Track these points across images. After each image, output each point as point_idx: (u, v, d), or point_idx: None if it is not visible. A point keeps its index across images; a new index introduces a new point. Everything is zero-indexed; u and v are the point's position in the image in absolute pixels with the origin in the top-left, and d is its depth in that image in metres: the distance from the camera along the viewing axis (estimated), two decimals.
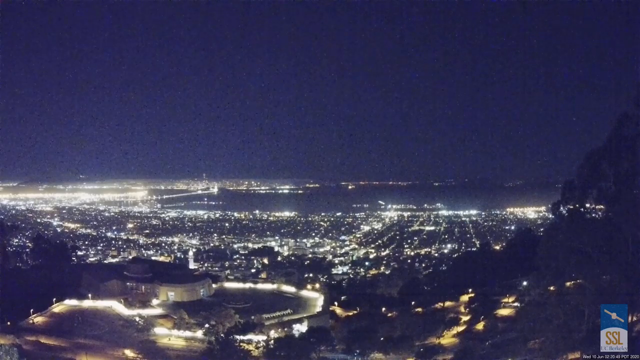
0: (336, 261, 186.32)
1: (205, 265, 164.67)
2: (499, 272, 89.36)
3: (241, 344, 44.90)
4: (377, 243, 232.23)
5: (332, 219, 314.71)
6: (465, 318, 65.46)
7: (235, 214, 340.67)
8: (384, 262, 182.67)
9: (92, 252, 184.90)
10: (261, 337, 49.02)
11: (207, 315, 56.60)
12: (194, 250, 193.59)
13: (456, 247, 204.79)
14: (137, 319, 56.36)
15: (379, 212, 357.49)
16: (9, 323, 50.16)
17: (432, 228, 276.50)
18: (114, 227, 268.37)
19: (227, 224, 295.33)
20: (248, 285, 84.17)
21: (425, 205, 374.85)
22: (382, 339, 53.33)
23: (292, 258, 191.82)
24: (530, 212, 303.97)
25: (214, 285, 75.92)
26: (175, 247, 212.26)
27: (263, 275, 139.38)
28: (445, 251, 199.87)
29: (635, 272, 28.91)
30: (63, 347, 44.45)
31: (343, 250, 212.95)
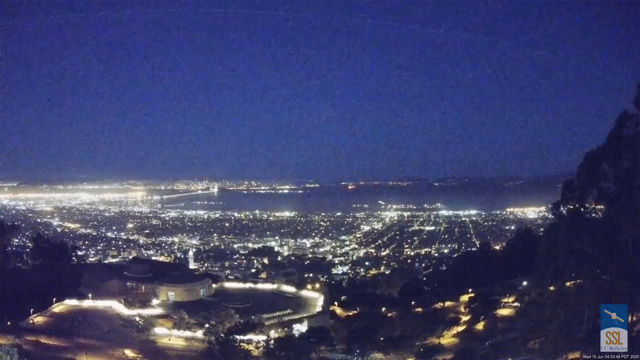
0: (336, 261, 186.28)
1: (205, 265, 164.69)
2: (499, 272, 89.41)
3: (241, 344, 44.83)
4: (377, 243, 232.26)
5: (332, 219, 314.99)
6: (465, 318, 65.41)
7: (235, 214, 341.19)
8: (384, 262, 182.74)
9: (92, 252, 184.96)
10: (261, 337, 48.94)
11: (207, 315, 56.56)
12: (194, 250, 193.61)
13: (456, 247, 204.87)
14: (137, 319, 56.31)
15: (379, 212, 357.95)
16: (9, 323, 50.16)
17: (432, 228, 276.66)
18: (114, 227, 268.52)
19: (227, 224, 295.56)
20: (248, 285, 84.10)
21: (425, 205, 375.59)
22: (382, 339, 53.27)
23: (292, 258, 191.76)
24: (530, 212, 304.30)
25: (214, 285, 75.87)
26: (175, 247, 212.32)
27: (263, 275, 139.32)
28: (445, 251, 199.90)
29: (635, 272, 28.88)
30: (63, 347, 44.43)
31: (343, 250, 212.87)
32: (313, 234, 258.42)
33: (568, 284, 35.29)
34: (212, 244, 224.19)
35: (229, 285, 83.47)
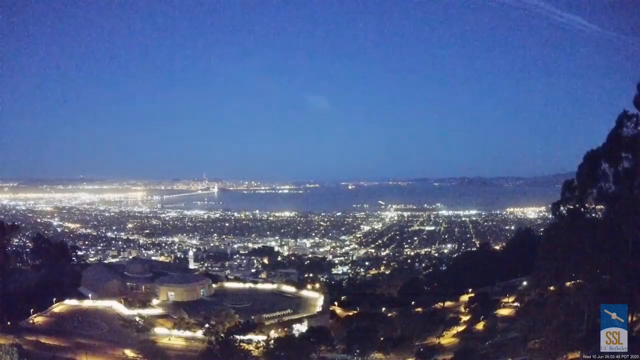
0: (336, 261, 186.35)
1: (205, 265, 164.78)
2: (499, 272, 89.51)
3: (241, 344, 44.79)
4: (377, 243, 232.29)
5: (332, 218, 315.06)
6: (465, 318, 65.43)
7: (235, 214, 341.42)
8: (384, 262, 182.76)
9: (92, 252, 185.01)
10: (261, 337, 48.93)
11: (207, 315, 56.53)
12: (194, 250, 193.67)
13: (456, 247, 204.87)
14: (137, 319, 56.23)
15: (379, 212, 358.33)
16: (9, 323, 50.12)
17: (432, 228, 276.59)
18: (114, 227, 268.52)
19: (227, 224, 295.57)
20: (248, 285, 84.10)
21: (425, 205, 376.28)
22: (382, 339, 53.28)
23: (292, 258, 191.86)
24: (530, 212, 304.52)
25: (214, 285, 75.82)
26: (175, 247, 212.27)
27: (263, 275, 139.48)
28: (445, 251, 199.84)
29: (635, 272, 28.84)
30: (63, 347, 44.34)
31: (343, 250, 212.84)
32: (313, 234, 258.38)
33: (568, 284, 35.25)
34: (212, 244, 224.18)
35: (229, 285, 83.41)
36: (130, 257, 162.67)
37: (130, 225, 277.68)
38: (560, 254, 32.47)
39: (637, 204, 29.24)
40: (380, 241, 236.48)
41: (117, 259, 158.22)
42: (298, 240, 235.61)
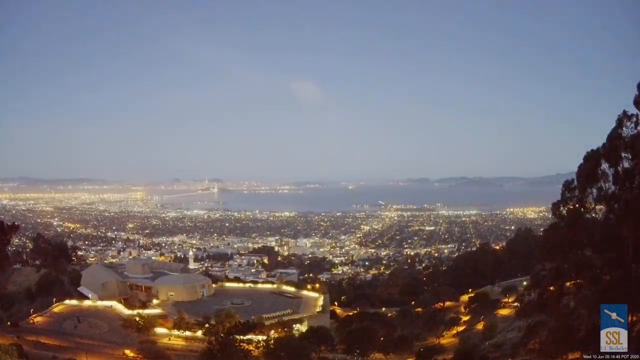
0: (336, 261, 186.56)
1: (205, 265, 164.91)
2: (499, 272, 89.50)
3: (241, 344, 44.76)
4: (377, 243, 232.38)
5: (332, 218, 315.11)
6: (465, 318, 65.42)
7: (235, 214, 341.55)
8: (384, 262, 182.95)
9: (92, 252, 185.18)
10: (261, 337, 48.91)
11: (207, 315, 56.54)
12: (194, 250, 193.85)
13: (456, 247, 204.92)
14: (137, 319, 56.24)
15: (379, 212, 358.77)
16: (9, 323, 50.08)
17: (432, 228, 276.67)
18: (114, 227, 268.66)
19: (227, 224, 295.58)
20: (248, 285, 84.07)
21: (425, 205, 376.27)
22: (382, 339, 53.21)
23: (292, 258, 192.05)
24: (530, 212, 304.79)
25: (214, 285, 75.83)
26: (175, 247, 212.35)
27: (263, 275, 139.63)
28: (445, 251, 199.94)
29: (635, 272, 28.84)
30: (63, 347, 44.29)
31: (343, 250, 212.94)
32: (313, 234, 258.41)
33: (568, 284, 35.25)
34: (212, 244, 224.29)
35: (229, 285, 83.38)
36: (130, 257, 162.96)
37: (130, 225, 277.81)
38: (560, 254, 32.46)
39: (637, 204, 29.20)
40: (380, 241, 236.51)
41: (117, 259, 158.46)
42: (298, 240, 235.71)
